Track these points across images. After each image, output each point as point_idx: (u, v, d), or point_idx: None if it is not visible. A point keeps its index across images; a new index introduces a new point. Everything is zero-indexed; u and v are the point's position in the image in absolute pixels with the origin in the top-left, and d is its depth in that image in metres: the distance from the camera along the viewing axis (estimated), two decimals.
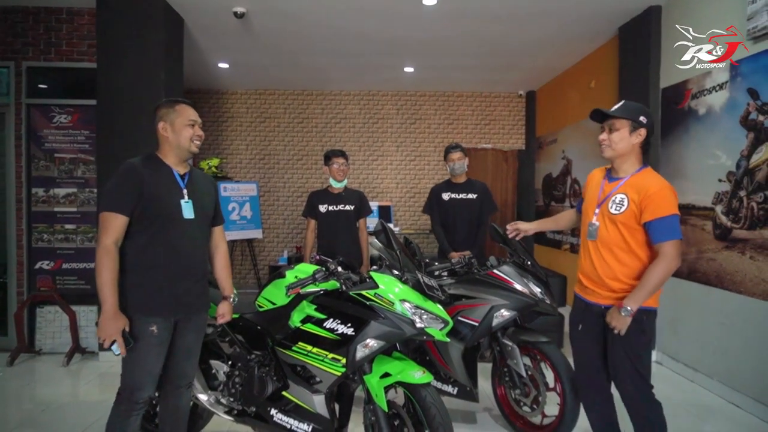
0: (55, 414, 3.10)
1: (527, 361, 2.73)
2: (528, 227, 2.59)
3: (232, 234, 5.70)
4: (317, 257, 2.38)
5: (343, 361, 2.00)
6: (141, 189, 1.94)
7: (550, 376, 2.66)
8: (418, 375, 1.99)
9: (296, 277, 2.26)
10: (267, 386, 2.26)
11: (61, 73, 4.40)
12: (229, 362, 2.50)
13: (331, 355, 2.04)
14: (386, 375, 2.01)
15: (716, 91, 3.47)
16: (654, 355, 4.11)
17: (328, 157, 3.66)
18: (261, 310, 2.39)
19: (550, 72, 6.21)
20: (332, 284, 2.13)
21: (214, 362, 2.54)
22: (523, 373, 2.68)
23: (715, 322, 3.48)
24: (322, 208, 3.65)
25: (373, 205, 5.98)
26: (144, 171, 1.98)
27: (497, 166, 7.27)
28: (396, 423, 2.06)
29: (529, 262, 2.82)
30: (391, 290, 2.04)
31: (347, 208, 3.67)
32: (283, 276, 2.35)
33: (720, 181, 3.41)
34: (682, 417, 3.09)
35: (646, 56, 4.15)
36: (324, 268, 2.16)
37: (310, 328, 2.15)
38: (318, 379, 2.12)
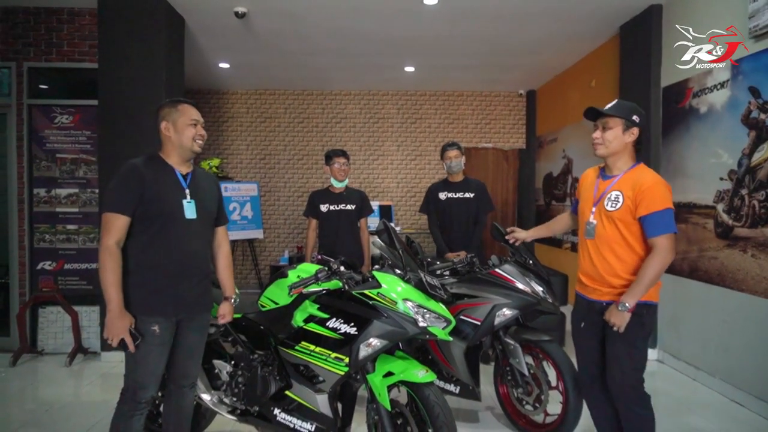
0: (59, 414, 3.11)
1: (529, 359, 2.73)
2: (524, 235, 2.68)
3: (233, 234, 5.69)
4: (319, 257, 2.38)
5: (346, 360, 2.00)
6: (142, 189, 1.94)
7: (552, 375, 2.67)
8: (421, 374, 1.99)
9: (299, 276, 2.26)
10: (270, 386, 2.26)
11: (62, 73, 4.41)
12: (232, 362, 2.51)
13: (334, 355, 2.04)
14: (389, 374, 2.01)
15: (717, 89, 3.47)
16: (656, 354, 4.12)
17: (329, 157, 3.66)
18: (264, 309, 2.39)
19: (551, 71, 6.20)
20: (335, 284, 2.13)
21: (217, 362, 2.54)
22: (526, 372, 2.68)
23: (717, 320, 3.48)
24: (324, 208, 3.64)
25: (374, 204, 5.96)
26: (146, 171, 1.98)
27: (498, 166, 7.28)
28: (399, 422, 2.06)
29: (530, 261, 2.82)
30: (393, 289, 2.05)
31: (348, 207, 3.67)
32: (285, 276, 2.36)
33: (721, 179, 3.41)
34: (683, 415, 3.10)
35: (647, 55, 4.15)
36: (326, 268, 2.17)
37: (312, 327, 2.16)
38: (321, 378, 2.12)
